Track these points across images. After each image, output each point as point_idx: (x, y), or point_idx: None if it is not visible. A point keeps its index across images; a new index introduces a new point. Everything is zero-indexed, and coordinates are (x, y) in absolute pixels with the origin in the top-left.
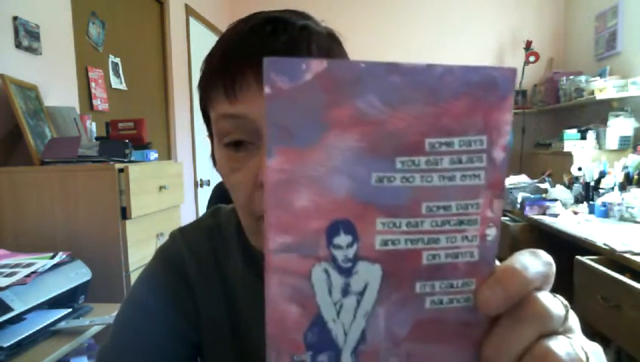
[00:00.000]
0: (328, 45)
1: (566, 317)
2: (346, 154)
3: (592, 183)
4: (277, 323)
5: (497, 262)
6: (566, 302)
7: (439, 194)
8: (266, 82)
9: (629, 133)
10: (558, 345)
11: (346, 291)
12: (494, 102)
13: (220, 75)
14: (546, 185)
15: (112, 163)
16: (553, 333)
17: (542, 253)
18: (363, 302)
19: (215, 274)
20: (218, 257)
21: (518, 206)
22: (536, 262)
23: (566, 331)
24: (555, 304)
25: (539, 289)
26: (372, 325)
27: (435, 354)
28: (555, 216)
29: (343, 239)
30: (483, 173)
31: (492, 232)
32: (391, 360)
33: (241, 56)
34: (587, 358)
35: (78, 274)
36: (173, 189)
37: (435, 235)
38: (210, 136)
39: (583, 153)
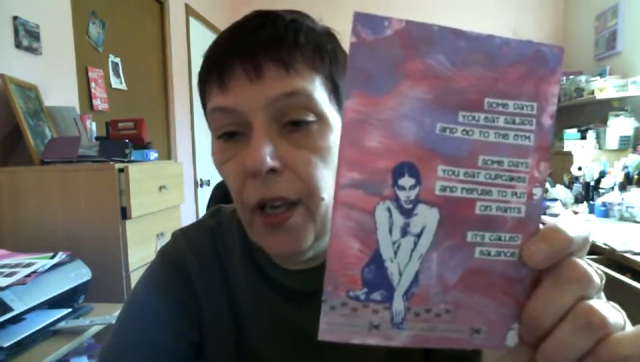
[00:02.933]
0: (320, 39)
1: (601, 287)
2: (415, 104)
3: (592, 183)
4: (338, 257)
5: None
6: (602, 273)
7: (494, 150)
8: (352, 32)
9: (629, 132)
10: (599, 304)
11: (405, 231)
12: (544, 74)
13: (211, 67)
14: (546, 185)
15: (112, 163)
16: (591, 298)
17: (582, 220)
18: (419, 244)
19: (217, 274)
20: (220, 257)
21: None
22: (577, 226)
23: (600, 299)
24: (593, 271)
25: (578, 252)
26: (425, 268)
27: (480, 306)
28: (555, 216)
29: (407, 180)
30: (532, 136)
31: (538, 192)
32: (440, 306)
33: (230, 49)
34: (624, 321)
35: (78, 274)
36: (173, 189)
37: (489, 187)
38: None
39: (583, 153)
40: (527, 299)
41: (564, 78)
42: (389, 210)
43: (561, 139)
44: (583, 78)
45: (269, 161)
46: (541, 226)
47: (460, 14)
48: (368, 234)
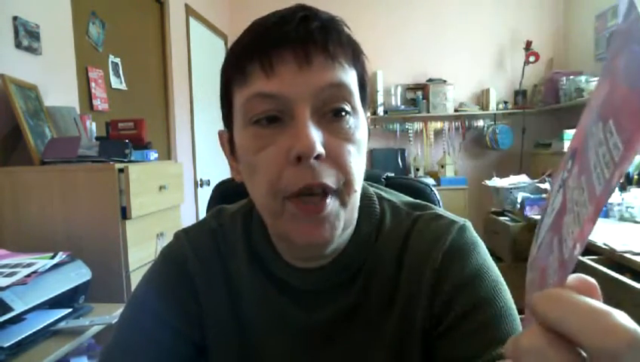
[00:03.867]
0: (355, 41)
1: None
2: None
3: None
4: None
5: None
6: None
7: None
8: None
9: None
10: None
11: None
12: None
13: (255, 52)
14: (546, 185)
15: (112, 163)
16: None
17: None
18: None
19: (219, 274)
20: (222, 257)
21: (518, 206)
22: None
23: None
24: None
25: None
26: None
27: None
28: None
29: None
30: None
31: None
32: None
33: (278, 36)
34: None
35: (78, 274)
36: (173, 189)
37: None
38: (228, 123)
39: None
40: None
41: (564, 78)
42: None
43: (561, 139)
44: (583, 78)
45: (319, 147)
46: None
47: (459, 14)
48: None
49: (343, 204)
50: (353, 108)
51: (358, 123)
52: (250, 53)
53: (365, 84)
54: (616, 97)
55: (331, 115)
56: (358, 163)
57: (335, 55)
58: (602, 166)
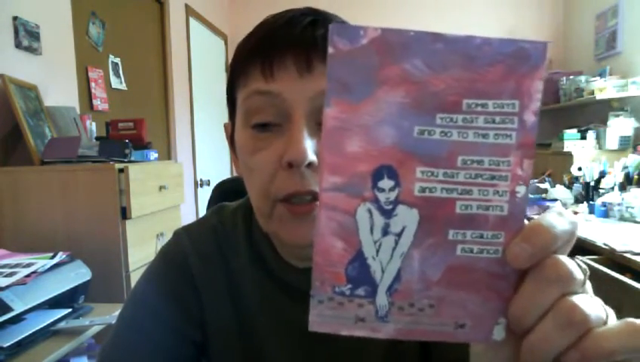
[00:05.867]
0: None
1: (584, 281)
2: (392, 109)
3: (592, 183)
4: (322, 255)
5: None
6: (585, 267)
7: (474, 149)
8: (329, 43)
9: (629, 133)
10: (581, 300)
11: (385, 231)
12: (526, 71)
13: (258, 53)
14: (546, 185)
15: (112, 163)
16: (574, 293)
17: (567, 213)
18: (400, 243)
19: (220, 272)
20: (223, 255)
21: None
22: (562, 221)
23: (584, 293)
24: (575, 268)
25: (563, 246)
26: (407, 266)
27: (464, 301)
28: None
29: (386, 183)
30: (514, 134)
31: (522, 190)
32: (423, 301)
33: (282, 39)
34: (607, 316)
35: (78, 274)
36: (173, 189)
37: (469, 187)
38: (232, 118)
39: (583, 153)
40: (513, 295)
41: (565, 78)
42: (369, 211)
43: (561, 139)
44: (583, 78)
45: (311, 155)
46: (526, 222)
47: (459, 15)
48: (351, 234)
49: None
50: None
51: None
52: (253, 55)
53: None
54: (448, 85)
55: None
56: None
57: None
58: (497, 125)
